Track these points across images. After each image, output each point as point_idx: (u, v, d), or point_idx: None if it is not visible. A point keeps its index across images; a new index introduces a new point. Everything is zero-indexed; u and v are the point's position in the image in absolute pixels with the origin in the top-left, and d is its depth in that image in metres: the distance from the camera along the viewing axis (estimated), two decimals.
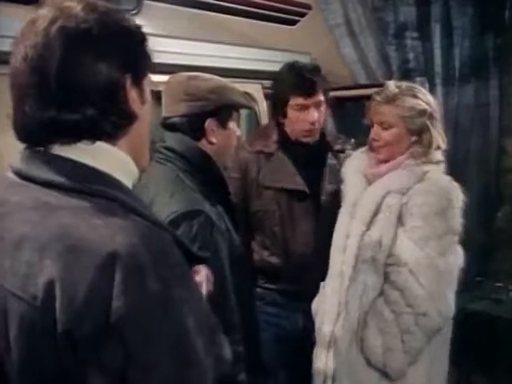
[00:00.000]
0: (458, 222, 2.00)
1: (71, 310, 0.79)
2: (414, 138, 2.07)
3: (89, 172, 0.93)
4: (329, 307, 2.11)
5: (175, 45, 2.78)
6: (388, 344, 1.97)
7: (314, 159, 2.53)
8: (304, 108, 2.41)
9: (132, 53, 0.98)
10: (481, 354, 3.45)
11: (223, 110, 1.83)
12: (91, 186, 0.91)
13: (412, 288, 1.94)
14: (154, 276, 0.82)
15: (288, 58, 2.76)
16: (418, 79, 4.20)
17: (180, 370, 0.84)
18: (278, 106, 2.52)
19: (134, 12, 2.66)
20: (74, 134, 0.93)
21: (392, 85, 2.16)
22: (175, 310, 0.85)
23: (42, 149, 0.94)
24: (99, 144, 0.95)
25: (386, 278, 2.01)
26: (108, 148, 0.97)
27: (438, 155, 2.12)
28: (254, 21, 3.25)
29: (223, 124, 1.85)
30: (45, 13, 0.93)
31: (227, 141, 1.89)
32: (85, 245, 0.83)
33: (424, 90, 2.16)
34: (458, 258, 2.02)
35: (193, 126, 1.80)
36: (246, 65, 3.12)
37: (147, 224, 0.89)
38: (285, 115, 2.48)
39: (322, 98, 2.45)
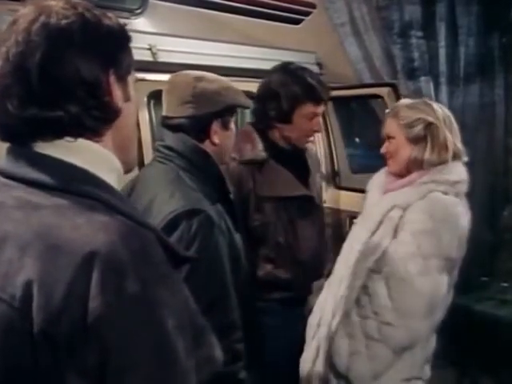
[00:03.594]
0: (451, 248, 1.94)
1: (48, 310, 0.78)
2: (414, 148, 2.07)
3: (72, 171, 0.92)
4: (324, 313, 2.11)
5: (180, 44, 2.78)
6: (352, 347, 1.97)
7: (300, 162, 2.51)
8: (313, 116, 2.34)
9: (114, 48, 0.98)
10: (486, 354, 3.43)
11: (227, 111, 1.82)
12: (74, 184, 0.90)
13: (380, 297, 1.94)
14: (133, 276, 0.80)
15: (292, 57, 2.76)
16: (423, 78, 4.21)
17: (158, 373, 0.82)
18: (280, 111, 2.35)
19: (138, 11, 2.65)
20: (57, 131, 0.92)
21: (403, 101, 2.20)
22: (154, 312, 0.83)
23: (25, 147, 0.93)
24: (82, 141, 0.94)
25: (364, 282, 2.01)
26: (91, 145, 0.95)
27: (456, 175, 2.07)
28: (259, 20, 3.25)
29: (226, 125, 1.83)
30: (26, 12, 0.92)
31: (228, 141, 1.87)
32: (65, 244, 0.81)
33: (434, 103, 2.13)
34: (440, 284, 1.97)
35: (198, 127, 1.78)
36: (250, 64, 3.11)
37: (129, 223, 0.87)
38: (288, 121, 2.35)
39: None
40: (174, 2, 2.83)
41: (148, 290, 0.82)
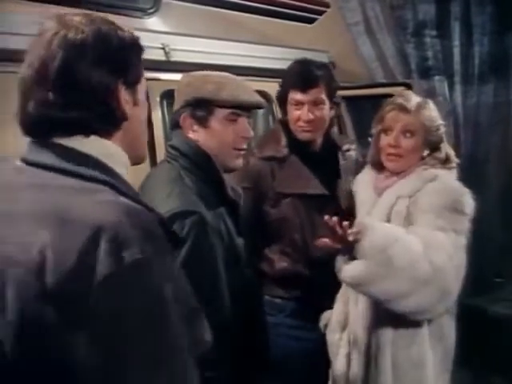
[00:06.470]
0: (464, 226, 1.93)
1: (60, 272, 0.88)
2: (426, 152, 2.05)
3: (85, 159, 1.05)
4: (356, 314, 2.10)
5: (193, 43, 2.78)
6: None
7: (325, 160, 2.47)
8: (300, 104, 2.33)
9: (125, 60, 1.11)
10: (500, 355, 3.41)
11: (199, 105, 1.75)
12: (87, 170, 1.02)
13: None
14: (135, 247, 0.91)
15: (305, 56, 2.74)
16: (437, 77, 4.19)
17: (150, 331, 0.92)
18: (280, 102, 2.44)
19: (151, 11, 2.66)
20: (72, 130, 1.05)
21: (411, 94, 2.15)
22: (152, 278, 0.94)
23: (45, 140, 1.06)
24: (94, 137, 1.07)
25: None
26: (102, 141, 1.09)
27: (449, 161, 2.09)
28: (272, 19, 3.25)
29: (201, 121, 1.77)
30: (51, 26, 1.06)
31: (212, 140, 1.78)
32: (77, 217, 0.92)
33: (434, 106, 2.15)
34: (465, 261, 1.97)
35: (174, 121, 1.80)
36: (263, 63, 3.11)
37: (135, 204, 1.00)
38: (285, 112, 2.40)
39: (322, 95, 2.33)
40: (187, 2, 2.83)
41: (148, 260, 0.93)
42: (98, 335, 0.88)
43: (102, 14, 1.12)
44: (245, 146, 1.85)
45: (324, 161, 2.44)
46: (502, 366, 3.45)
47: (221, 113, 1.77)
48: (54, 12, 1.11)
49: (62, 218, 0.93)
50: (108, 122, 1.09)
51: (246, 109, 1.83)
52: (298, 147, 2.39)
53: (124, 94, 1.10)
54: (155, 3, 2.68)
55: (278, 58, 3.12)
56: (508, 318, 3.55)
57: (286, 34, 3.33)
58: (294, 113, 2.35)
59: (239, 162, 1.85)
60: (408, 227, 1.95)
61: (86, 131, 1.06)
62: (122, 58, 1.10)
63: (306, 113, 2.31)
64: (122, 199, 1.00)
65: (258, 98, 1.85)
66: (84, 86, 1.04)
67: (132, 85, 1.13)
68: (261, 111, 3.31)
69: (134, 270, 0.91)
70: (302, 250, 2.35)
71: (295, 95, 2.33)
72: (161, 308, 0.94)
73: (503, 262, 4.12)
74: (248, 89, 1.83)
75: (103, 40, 1.07)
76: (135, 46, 1.14)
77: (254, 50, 3.08)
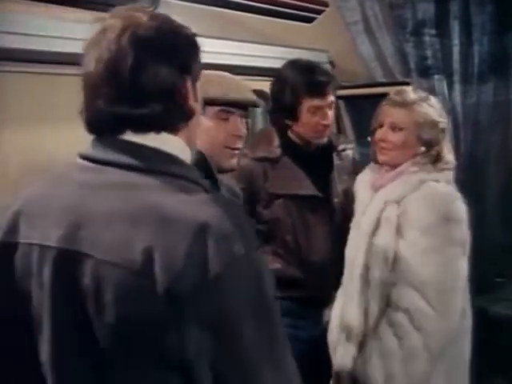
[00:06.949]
0: (459, 234, 1.94)
1: (171, 270, 0.90)
2: (422, 149, 2.03)
3: (161, 155, 1.06)
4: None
5: None
6: (390, 371, 1.94)
7: (320, 161, 2.47)
8: (319, 110, 2.34)
9: (190, 57, 1.13)
10: (502, 355, 3.40)
11: None
12: (164, 166, 1.04)
13: (419, 308, 1.90)
14: (239, 242, 0.94)
15: (305, 55, 2.74)
16: (436, 77, 4.18)
17: (262, 325, 0.97)
18: (285, 107, 2.40)
19: (150, 9, 2.64)
20: (143, 126, 1.06)
21: (409, 90, 2.13)
22: (258, 270, 0.99)
23: (115, 137, 1.06)
24: (164, 134, 1.09)
25: (389, 297, 1.97)
26: (172, 137, 1.10)
27: (443, 162, 2.07)
28: (271, 18, 3.23)
29: None
30: (114, 22, 1.06)
31: (203, 138, 1.67)
32: (176, 216, 0.94)
33: (438, 104, 2.12)
34: (462, 270, 1.94)
35: None
36: (262, 62, 3.09)
37: (224, 199, 1.05)
38: (295, 118, 2.39)
39: (333, 98, 2.39)
40: (186, 1, 2.82)
41: (251, 253, 0.97)
42: (211, 333, 0.91)
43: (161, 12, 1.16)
44: (238, 145, 1.83)
45: (318, 161, 2.44)
46: (503, 366, 3.45)
47: (211, 110, 1.76)
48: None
49: (162, 217, 0.94)
50: (178, 117, 1.11)
51: (236, 106, 1.81)
52: (293, 148, 2.38)
53: (190, 90, 1.12)
54: (154, 2, 2.66)
55: (276, 57, 3.10)
56: (509, 319, 3.54)
57: (284, 33, 3.31)
58: (312, 119, 2.34)
59: (233, 161, 1.83)
60: (399, 241, 1.95)
61: (157, 128, 1.07)
62: (189, 55, 1.13)
63: (328, 117, 2.32)
64: (209, 194, 1.04)
65: (249, 96, 1.84)
66: (155, 83, 1.05)
67: (195, 81, 1.15)
68: (259, 110, 3.30)
69: (243, 265, 0.95)
70: (294, 251, 2.36)
71: (314, 102, 2.33)
72: (267, 300, 0.99)
73: (504, 262, 4.11)
74: (240, 87, 1.81)
75: (172, 37, 1.10)
76: (197, 43, 1.17)
77: (252, 49, 3.06)
